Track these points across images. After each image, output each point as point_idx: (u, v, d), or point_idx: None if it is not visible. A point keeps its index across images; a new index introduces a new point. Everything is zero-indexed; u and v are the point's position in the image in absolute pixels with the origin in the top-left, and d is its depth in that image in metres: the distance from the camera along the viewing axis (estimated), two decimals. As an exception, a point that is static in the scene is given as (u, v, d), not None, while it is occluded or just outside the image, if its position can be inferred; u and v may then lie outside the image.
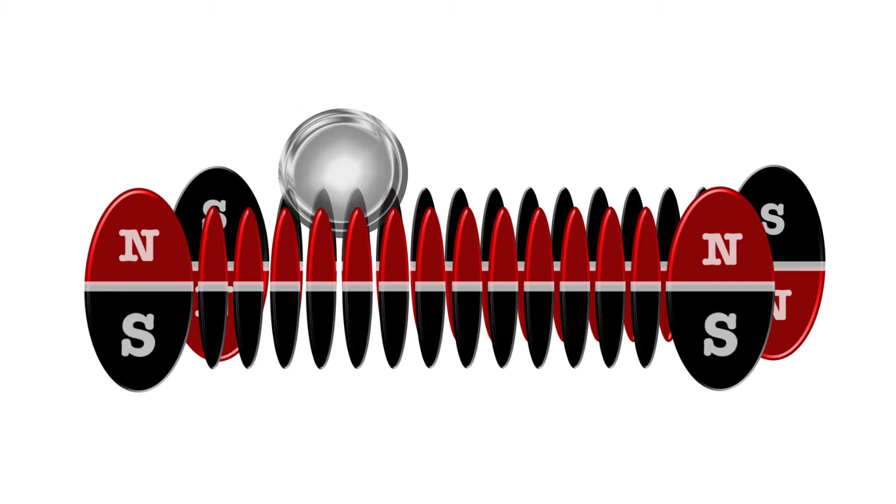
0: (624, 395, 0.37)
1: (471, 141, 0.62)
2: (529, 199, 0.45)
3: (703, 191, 0.43)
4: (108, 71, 0.83)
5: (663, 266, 0.42)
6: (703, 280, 0.41)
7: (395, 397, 0.38)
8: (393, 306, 0.40)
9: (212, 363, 0.38)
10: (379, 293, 0.40)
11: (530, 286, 0.42)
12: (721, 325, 0.39)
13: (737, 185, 0.45)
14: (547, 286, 0.42)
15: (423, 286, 0.41)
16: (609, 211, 0.44)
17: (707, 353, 0.38)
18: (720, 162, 0.49)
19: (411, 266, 0.42)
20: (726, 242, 0.40)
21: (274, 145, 0.52)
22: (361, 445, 0.35)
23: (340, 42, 0.85)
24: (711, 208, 0.43)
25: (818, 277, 0.43)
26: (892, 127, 0.67)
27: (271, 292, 0.40)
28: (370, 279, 0.42)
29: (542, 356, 0.39)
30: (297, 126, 0.44)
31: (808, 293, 0.42)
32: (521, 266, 0.43)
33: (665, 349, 0.40)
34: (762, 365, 0.39)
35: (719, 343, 0.38)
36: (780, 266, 0.44)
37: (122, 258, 0.38)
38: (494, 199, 0.45)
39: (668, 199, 0.45)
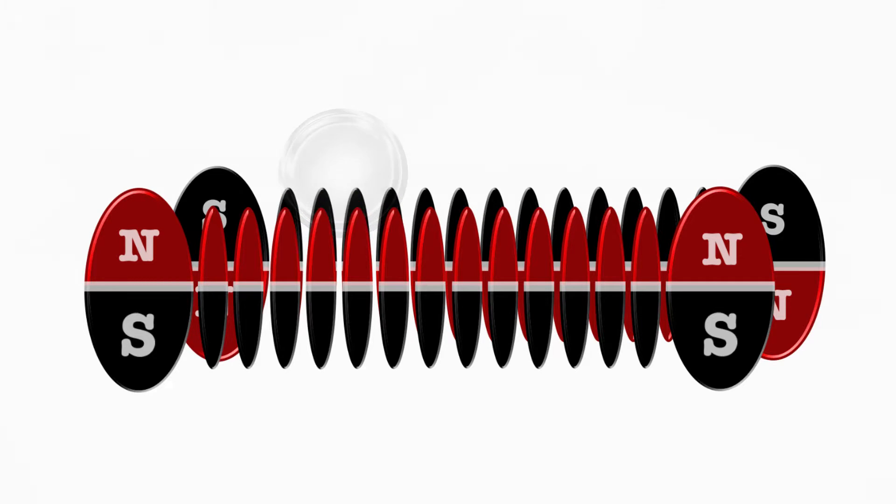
0: (624, 395, 0.37)
1: (471, 141, 0.62)
2: (529, 199, 0.45)
3: (703, 191, 0.43)
4: (109, 71, 0.83)
5: (663, 266, 0.42)
6: (703, 280, 0.41)
7: (395, 397, 0.38)
8: (393, 306, 0.40)
9: (212, 363, 0.38)
10: (379, 293, 0.40)
11: (530, 286, 0.42)
12: (721, 325, 0.39)
13: (737, 185, 0.45)
14: (547, 286, 0.42)
15: (423, 286, 0.41)
16: (609, 211, 0.43)
17: (707, 353, 0.38)
18: (720, 162, 0.49)
19: (411, 266, 0.42)
20: (726, 242, 0.40)
21: (274, 145, 0.52)
22: (361, 445, 0.35)
23: (341, 42, 0.85)
24: (711, 208, 0.43)
25: (818, 277, 0.43)
26: (891, 126, 0.67)
27: (271, 292, 0.40)
28: (370, 279, 0.42)
29: (542, 356, 0.39)
30: (297, 127, 0.44)
31: (808, 293, 0.42)
32: (521, 266, 0.43)
33: (665, 349, 0.40)
34: (762, 365, 0.39)
35: (719, 343, 0.38)
36: (780, 266, 0.44)
37: (122, 258, 0.38)
38: (494, 199, 0.45)
39: (668, 199, 0.45)
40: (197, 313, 0.38)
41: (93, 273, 0.39)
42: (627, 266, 0.42)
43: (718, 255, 0.40)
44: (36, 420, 0.36)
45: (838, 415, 0.37)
